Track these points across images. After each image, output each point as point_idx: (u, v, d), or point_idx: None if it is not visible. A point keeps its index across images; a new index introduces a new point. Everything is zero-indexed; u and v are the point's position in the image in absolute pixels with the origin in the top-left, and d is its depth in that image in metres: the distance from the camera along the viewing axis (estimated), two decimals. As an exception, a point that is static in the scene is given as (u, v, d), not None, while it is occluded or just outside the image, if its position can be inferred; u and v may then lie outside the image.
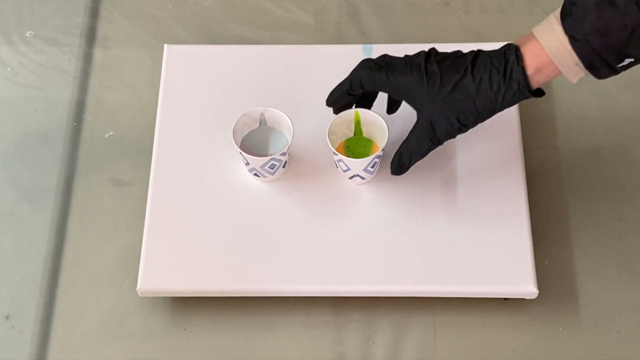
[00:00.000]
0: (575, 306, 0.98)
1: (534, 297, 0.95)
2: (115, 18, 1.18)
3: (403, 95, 0.92)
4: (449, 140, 0.91)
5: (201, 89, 1.06)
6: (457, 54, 0.89)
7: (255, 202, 0.99)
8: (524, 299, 0.97)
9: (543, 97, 0.88)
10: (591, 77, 0.86)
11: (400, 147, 0.94)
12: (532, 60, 0.86)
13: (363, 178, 0.98)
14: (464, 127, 0.89)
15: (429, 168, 1.00)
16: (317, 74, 1.07)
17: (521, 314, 0.97)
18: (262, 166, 0.98)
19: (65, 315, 0.98)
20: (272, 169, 0.98)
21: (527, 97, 0.87)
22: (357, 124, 0.98)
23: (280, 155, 0.97)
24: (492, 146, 1.02)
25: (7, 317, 0.98)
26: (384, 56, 0.92)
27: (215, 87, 1.07)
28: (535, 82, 0.87)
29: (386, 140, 0.95)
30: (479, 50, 0.89)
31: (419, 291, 0.96)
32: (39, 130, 1.10)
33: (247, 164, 0.99)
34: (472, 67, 0.87)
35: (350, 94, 0.94)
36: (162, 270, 0.96)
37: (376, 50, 1.08)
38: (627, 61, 0.82)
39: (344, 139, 1.00)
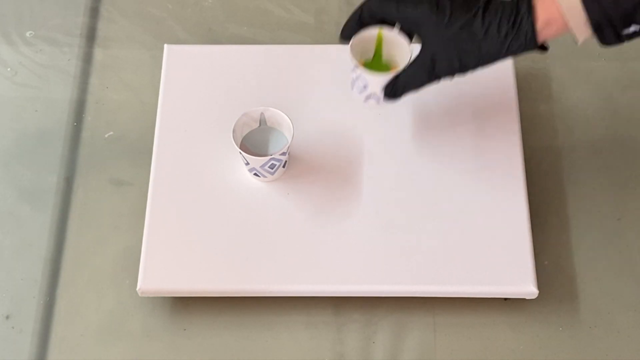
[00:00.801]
0: (575, 306, 0.98)
1: (534, 297, 0.95)
2: (115, 18, 1.18)
3: (411, 26, 0.91)
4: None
5: (201, 89, 1.06)
6: None
7: (255, 202, 0.99)
8: (524, 299, 0.97)
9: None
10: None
11: (398, 74, 0.92)
12: (542, 13, 0.85)
13: (377, 101, 0.95)
14: (464, 67, 0.88)
15: (429, 168, 1.00)
16: (317, 74, 1.07)
17: (521, 314, 0.97)
18: (262, 166, 0.98)
19: (65, 315, 0.98)
20: (272, 168, 0.98)
21: (531, 50, 0.87)
22: (379, 44, 0.95)
23: (280, 155, 0.97)
24: (492, 146, 1.02)
25: (7, 317, 0.98)
26: None
27: (215, 87, 1.07)
28: (543, 36, 0.86)
29: (408, 60, 0.91)
30: None
31: (419, 291, 0.96)
32: (39, 130, 1.09)
33: (247, 164, 0.99)
34: (483, 10, 0.86)
35: (362, 23, 0.92)
36: (162, 270, 0.96)
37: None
38: (632, 28, 0.82)
39: (363, 59, 0.96)
